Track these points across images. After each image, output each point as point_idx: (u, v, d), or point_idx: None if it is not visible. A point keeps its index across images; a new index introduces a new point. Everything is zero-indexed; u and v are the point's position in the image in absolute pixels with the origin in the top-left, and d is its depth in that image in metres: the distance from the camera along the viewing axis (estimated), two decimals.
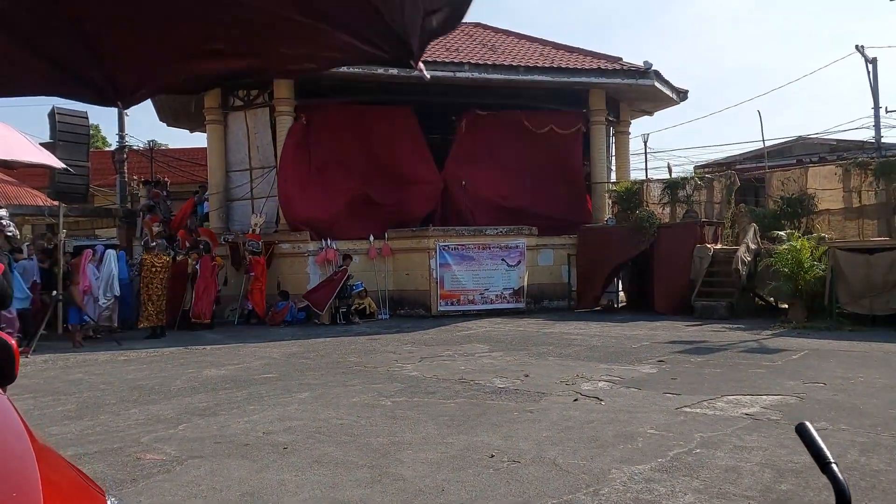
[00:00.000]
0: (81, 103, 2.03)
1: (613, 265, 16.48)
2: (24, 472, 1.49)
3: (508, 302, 15.94)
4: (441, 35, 1.68)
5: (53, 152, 11.05)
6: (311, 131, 16.70)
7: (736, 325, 12.47)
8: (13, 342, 2.22)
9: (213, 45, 1.76)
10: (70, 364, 10.18)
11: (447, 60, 16.48)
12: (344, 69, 15.54)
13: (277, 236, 16.19)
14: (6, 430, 1.69)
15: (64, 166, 7.10)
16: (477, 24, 21.03)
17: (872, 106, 23.31)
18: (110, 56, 1.73)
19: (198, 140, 23.79)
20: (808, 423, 1.39)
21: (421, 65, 1.68)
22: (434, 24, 1.61)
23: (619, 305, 17.48)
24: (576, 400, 6.84)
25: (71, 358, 10.75)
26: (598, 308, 16.49)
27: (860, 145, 24.30)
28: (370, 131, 17.00)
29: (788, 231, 14.02)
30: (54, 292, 12.03)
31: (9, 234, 4.64)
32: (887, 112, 24.66)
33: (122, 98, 1.87)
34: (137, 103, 1.97)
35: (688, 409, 6.32)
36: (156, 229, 16.79)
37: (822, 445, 1.35)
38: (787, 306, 13.48)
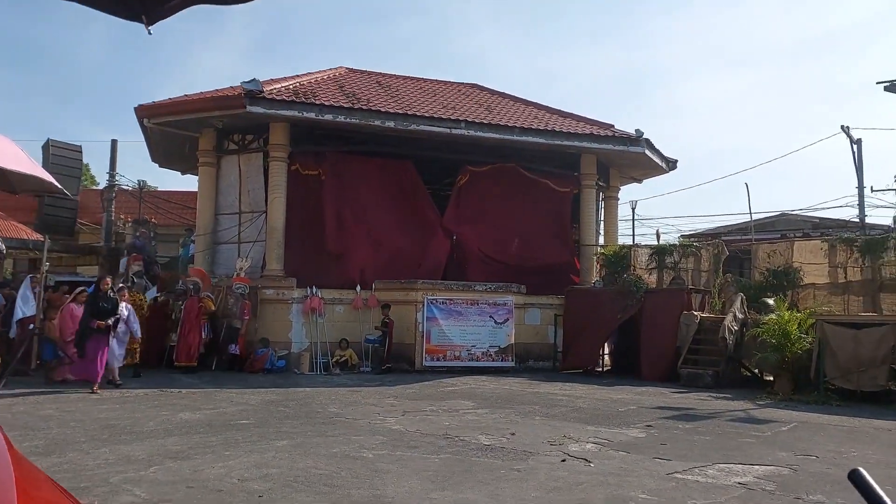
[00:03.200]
0: (113, 15, 1.81)
1: (602, 332, 16.33)
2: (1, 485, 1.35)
3: (494, 360, 15.68)
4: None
5: None
6: (338, 183, 16.79)
7: (722, 395, 12.32)
8: None
9: None
10: (41, 400, 9.82)
11: (444, 117, 16.66)
12: (341, 118, 15.69)
13: (262, 281, 15.97)
14: None
15: (57, 184, 6.96)
16: (473, 85, 21.45)
17: (857, 185, 23.73)
18: None
19: (188, 182, 23.81)
20: (861, 469, 1.26)
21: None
22: None
23: (604, 369, 17.30)
24: (564, 461, 6.63)
25: (43, 395, 10.38)
26: (583, 370, 16.31)
27: (843, 223, 24.59)
28: (374, 182, 17.07)
29: (777, 298, 14.02)
30: (31, 326, 11.73)
31: None
32: (872, 191, 25.14)
33: (149, 9, 1.70)
34: (166, 17, 1.77)
35: (679, 476, 6.13)
36: (135, 268, 16.55)
37: (882, 493, 1.22)
38: (773, 378, 13.37)
